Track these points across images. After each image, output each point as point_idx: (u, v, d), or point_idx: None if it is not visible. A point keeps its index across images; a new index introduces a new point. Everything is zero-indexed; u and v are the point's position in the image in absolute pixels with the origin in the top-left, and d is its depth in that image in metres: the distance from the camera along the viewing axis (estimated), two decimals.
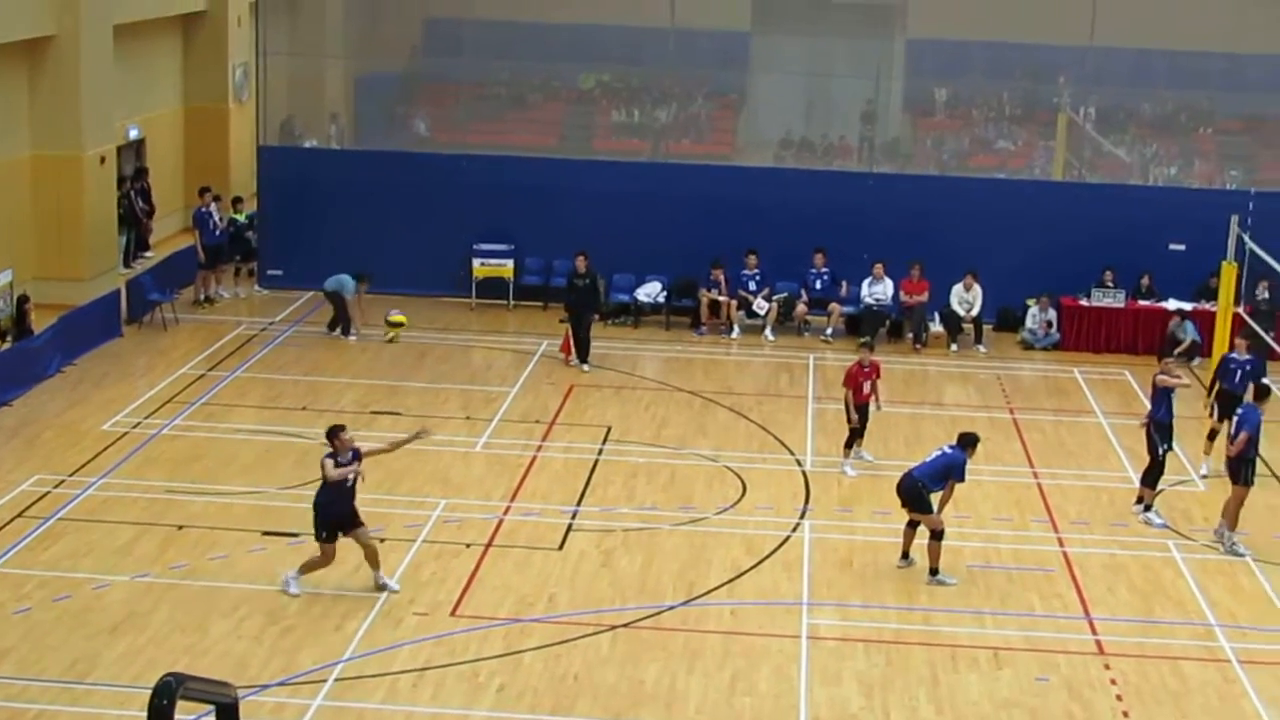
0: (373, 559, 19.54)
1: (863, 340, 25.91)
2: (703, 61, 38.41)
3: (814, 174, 35.84)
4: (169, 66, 39.11)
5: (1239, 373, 24.82)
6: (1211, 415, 25.06)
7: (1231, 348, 26.03)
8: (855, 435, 24.77)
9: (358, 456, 19.32)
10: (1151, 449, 22.88)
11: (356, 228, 33.86)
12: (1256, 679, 18.28)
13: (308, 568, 19.43)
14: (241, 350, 30.13)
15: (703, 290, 32.80)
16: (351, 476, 19.17)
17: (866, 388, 24.57)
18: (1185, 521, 22.97)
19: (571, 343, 29.76)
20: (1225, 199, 32.46)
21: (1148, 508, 22.87)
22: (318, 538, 19.28)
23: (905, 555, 20.90)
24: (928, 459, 20.93)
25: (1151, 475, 22.97)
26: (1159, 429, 22.82)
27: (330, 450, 19.25)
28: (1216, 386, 25.11)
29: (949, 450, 20.77)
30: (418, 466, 23.61)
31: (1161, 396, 22.90)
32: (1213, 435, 24.91)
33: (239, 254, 35.19)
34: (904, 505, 20.75)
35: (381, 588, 19.48)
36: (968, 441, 20.79)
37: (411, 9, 40.18)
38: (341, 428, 19.50)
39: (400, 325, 30.95)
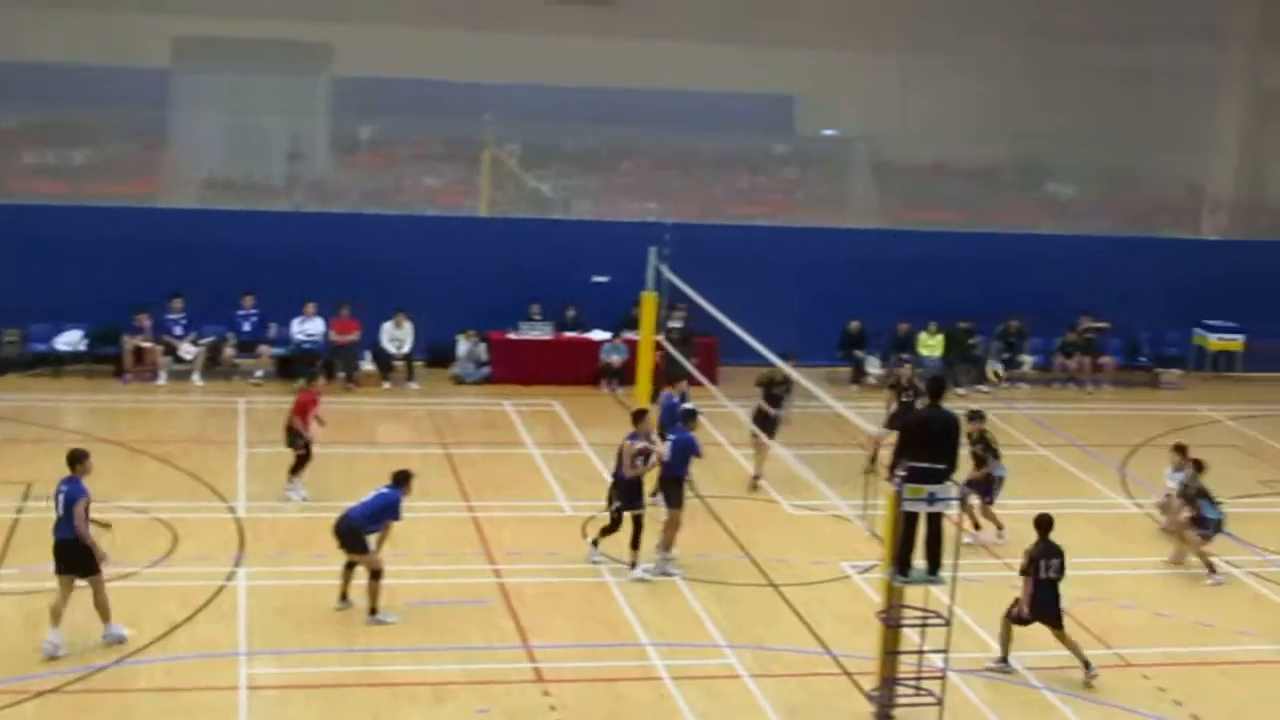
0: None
1: (310, 373, 26.59)
2: (122, 100, 37.26)
3: (241, 214, 35.18)
4: None
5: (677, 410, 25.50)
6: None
7: (670, 386, 26.57)
8: (303, 462, 24.90)
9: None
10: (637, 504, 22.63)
11: None
12: (688, 694, 18.86)
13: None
14: None
15: (126, 336, 31.84)
16: None
17: (312, 415, 24.88)
18: (615, 545, 23.49)
19: None
20: (645, 231, 33.44)
21: (632, 565, 22.54)
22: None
23: (343, 597, 20.72)
24: (364, 499, 20.82)
25: (610, 530, 22.78)
26: (617, 486, 22.67)
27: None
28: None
29: (385, 490, 20.74)
30: None
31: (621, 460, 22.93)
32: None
33: None
34: (341, 547, 20.59)
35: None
36: (401, 479, 20.82)
37: None
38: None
39: None
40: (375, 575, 20.41)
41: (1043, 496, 26.73)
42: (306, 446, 24.94)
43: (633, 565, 22.48)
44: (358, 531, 20.44)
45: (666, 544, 22.71)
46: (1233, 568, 24.25)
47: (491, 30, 36.78)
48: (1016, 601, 20.00)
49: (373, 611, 20.41)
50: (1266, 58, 41.29)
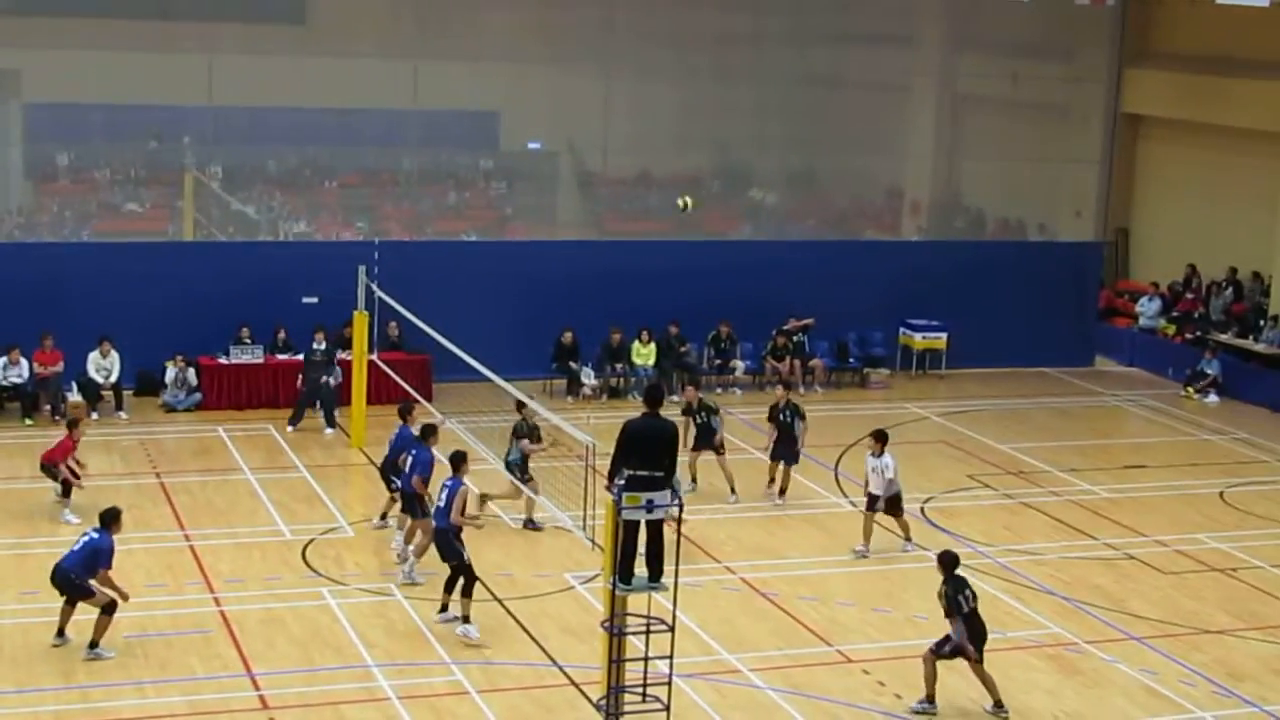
0: None
1: (72, 419, 27.06)
2: None
3: None
4: None
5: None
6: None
7: (405, 418, 26.07)
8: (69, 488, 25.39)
9: None
10: (454, 554, 21.48)
11: None
12: (416, 713, 18.83)
13: None
14: None
15: None
16: None
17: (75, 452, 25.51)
18: (337, 568, 23.35)
19: None
20: (352, 250, 33.26)
21: (465, 619, 21.42)
22: None
23: (61, 632, 20.19)
24: (75, 547, 20.21)
25: (464, 583, 21.46)
26: (457, 535, 21.61)
27: None
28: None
29: (92, 534, 20.19)
30: None
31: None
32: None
33: None
34: (64, 594, 20.06)
35: None
36: (108, 520, 20.30)
37: None
38: None
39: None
40: (107, 610, 19.94)
41: (759, 499, 27.23)
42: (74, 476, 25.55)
43: (465, 619, 21.34)
44: (73, 581, 19.94)
45: (420, 550, 22.80)
46: None
47: (185, 53, 36.27)
48: (946, 640, 19.77)
49: (93, 645, 19.91)
50: (956, 63, 42.64)
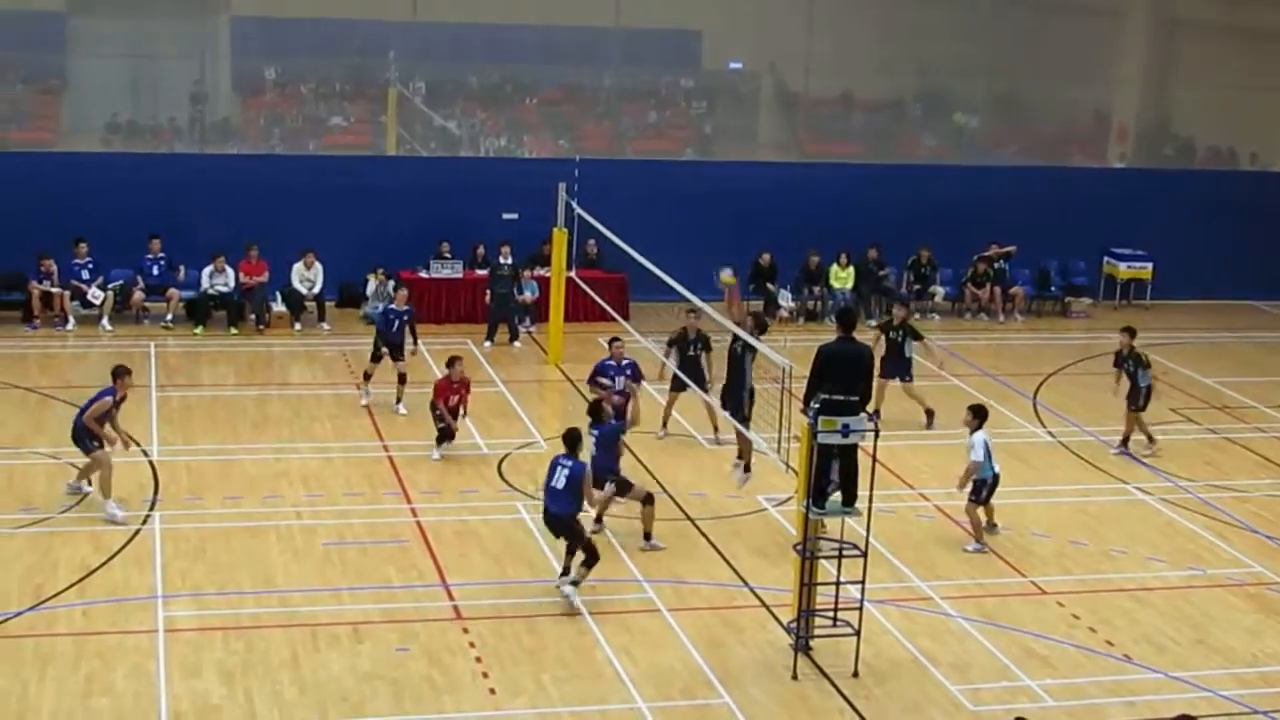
0: None
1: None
2: (19, 45, 36.74)
3: (144, 157, 34.87)
4: None
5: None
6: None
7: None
8: None
9: None
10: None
11: None
12: (606, 629, 18.90)
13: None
14: None
15: (33, 282, 31.41)
16: None
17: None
18: (531, 483, 23.49)
19: None
20: (553, 167, 33.38)
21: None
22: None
23: (566, 571, 19.77)
24: (558, 486, 19.36)
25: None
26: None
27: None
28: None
29: (566, 464, 19.48)
30: None
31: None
32: None
33: None
34: (557, 535, 19.85)
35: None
36: (573, 442, 19.58)
37: None
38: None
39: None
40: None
41: (957, 426, 26.92)
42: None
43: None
44: (565, 519, 19.48)
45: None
46: (1145, 494, 24.55)
47: None
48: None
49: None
50: None
